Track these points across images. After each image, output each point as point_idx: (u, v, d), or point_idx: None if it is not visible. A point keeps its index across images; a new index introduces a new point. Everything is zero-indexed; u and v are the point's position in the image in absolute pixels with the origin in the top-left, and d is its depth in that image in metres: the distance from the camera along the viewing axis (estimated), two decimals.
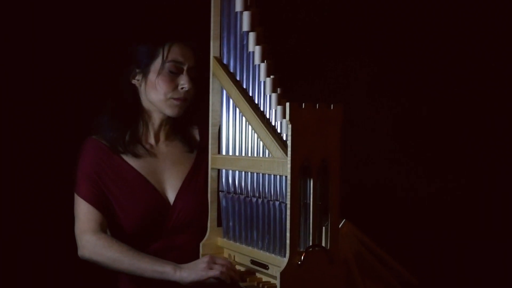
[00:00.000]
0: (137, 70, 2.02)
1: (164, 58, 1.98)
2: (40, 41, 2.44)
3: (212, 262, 1.81)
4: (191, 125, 2.13)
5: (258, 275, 1.79)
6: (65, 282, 2.46)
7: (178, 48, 2.00)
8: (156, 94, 1.99)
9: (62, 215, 2.04)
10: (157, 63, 1.99)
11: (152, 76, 1.99)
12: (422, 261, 2.81)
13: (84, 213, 1.95)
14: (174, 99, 1.99)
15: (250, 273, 1.82)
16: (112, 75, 2.04)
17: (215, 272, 1.78)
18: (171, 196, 2.01)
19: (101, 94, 2.06)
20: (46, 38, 2.44)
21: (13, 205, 2.42)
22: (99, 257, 1.90)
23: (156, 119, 2.05)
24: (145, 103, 2.03)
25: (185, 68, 2.00)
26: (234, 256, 1.87)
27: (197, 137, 2.12)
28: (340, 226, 1.71)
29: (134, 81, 2.03)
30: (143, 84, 2.02)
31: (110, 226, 1.99)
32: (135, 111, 2.04)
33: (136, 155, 2.01)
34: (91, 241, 1.92)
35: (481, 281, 2.81)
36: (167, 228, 1.99)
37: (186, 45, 2.01)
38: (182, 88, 1.99)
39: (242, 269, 1.85)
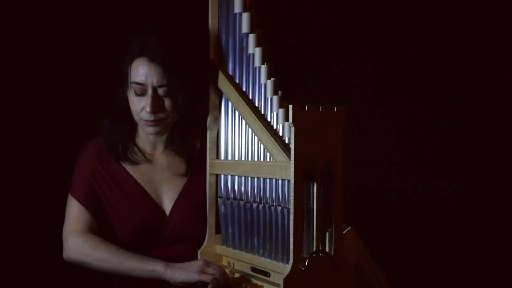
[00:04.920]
0: (125, 85, 1.95)
1: (129, 80, 1.90)
2: (40, 41, 2.42)
3: (205, 266, 1.80)
4: (193, 132, 2.03)
5: (258, 282, 1.76)
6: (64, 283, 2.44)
7: (140, 68, 1.87)
8: (133, 113, 1.94)
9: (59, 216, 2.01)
10: (127, 83, 1.92)
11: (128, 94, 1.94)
12: (424, 263, 2.79)
13: (74, 214, 1.93)
14: (145, 121, 1.91)
15: (246, 279, 1.79)
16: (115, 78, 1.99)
17: (206, 277, 1.77)
18: (168, 207, 1.97)
19: (104, 97, 2.02)
20: (46, 38, 2.41)
21: (12, 207, 2.40)
22: (86, 258, 1.88)
23: None
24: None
25: (148, 88, 1.88)
26: (233, 264, 1.83)
27: (198, 144, 2.03)
28: (344, 232, 1.67)
29: (126, 93, 1.97)
30: None
31: (104, 233, 1.95)
32: (132, 118, 1.98)
33: (134, 161, 1.98)
34: (78, 242, 1.89)
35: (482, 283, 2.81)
36: (163, 238, 1.95)
37: (151, 62, 1.86)
38: (146, 111, 1.89)
39: (237, 275, 1.83)
